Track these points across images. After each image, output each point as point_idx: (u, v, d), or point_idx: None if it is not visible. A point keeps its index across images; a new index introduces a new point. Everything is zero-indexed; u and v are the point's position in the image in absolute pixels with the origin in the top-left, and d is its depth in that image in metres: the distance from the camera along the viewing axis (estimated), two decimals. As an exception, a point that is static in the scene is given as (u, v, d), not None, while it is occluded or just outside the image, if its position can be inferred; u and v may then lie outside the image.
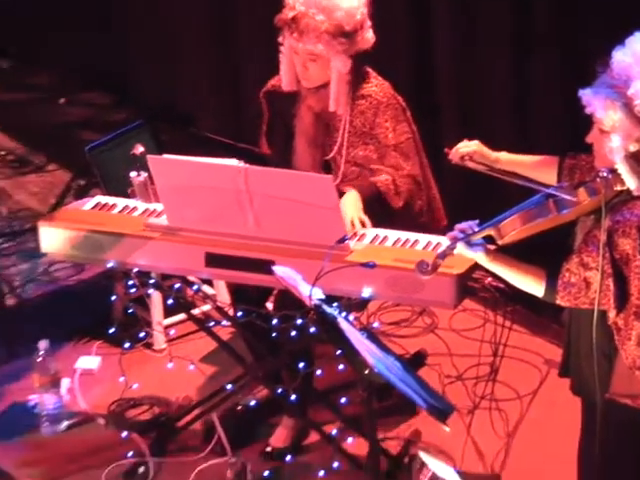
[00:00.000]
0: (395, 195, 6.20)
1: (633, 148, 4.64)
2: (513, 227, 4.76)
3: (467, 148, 5.49)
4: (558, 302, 4.77)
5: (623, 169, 4.64)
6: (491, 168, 5.36)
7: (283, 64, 6.26)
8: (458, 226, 4.85)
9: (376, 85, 6.26)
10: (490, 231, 4.78)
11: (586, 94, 4.66)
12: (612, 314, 4.70)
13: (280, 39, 6.23)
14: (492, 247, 4.85)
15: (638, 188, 4.65)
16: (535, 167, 5.36)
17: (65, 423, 6.62)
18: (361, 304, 5.97)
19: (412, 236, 5.95)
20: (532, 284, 4.80)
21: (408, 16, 7.76)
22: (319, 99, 6.27)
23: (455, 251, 4.79)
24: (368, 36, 6.19)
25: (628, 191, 4.69)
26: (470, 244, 4.76)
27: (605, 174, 4.67)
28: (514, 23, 7.26)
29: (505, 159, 5.49)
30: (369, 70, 6.28)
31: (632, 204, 4.69)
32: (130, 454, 6.30)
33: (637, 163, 4.69)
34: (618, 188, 4.68)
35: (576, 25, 6.99)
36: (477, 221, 4.88)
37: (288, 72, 6.25)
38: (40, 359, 6.60)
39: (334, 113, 6.26)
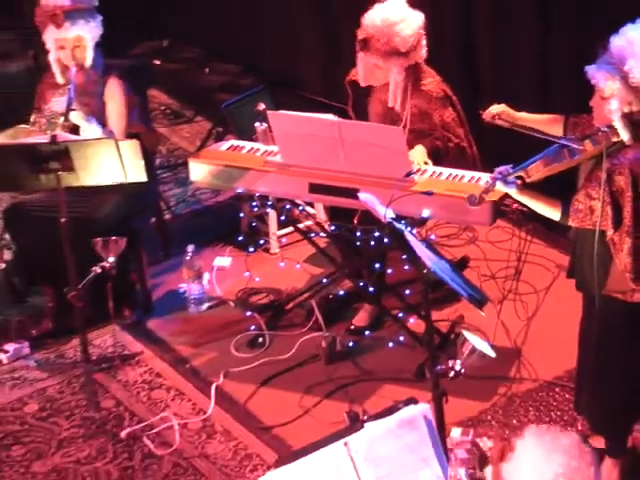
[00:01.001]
0: (446, 153, 6.43)
1: (627, 109, 4.97)
2: (537, 170, 5.11)
3: (496, 109, 5.67)
4: (570, 223, 5.12)
5: (619, 125, 4.98)
6: (514, 124, 5.52)
7: (359, 67, 6.48)
8: (497, 169, 5.20)
9: (429, 83, 6.45)
10: (520, 172, 5.14)
11: (591, 69, 4.99)
12: (610, 232, 5.02)
13: (357, 48, 6.44)
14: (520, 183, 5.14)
15: (629, 139, 4.99)
16: (546, 123, 5.52)
17: (206, 305, 7.01)
18: (421, 221, 6.20)
19: (461, 172, 6.25)
20: (551, 211, 5.16)
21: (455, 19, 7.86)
22: (386, 92, 6.49)
23: (495, 187, 5.18)
24: (422, 53, 6.42)
25: (622, 142, 5.01)
26: (506, 182, 5.12)
27: (605, 129, 5.00)
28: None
29: (525, 117, 5.66)
30: (425, 68, 6.49)
31: (625, 151, 5.01)
32: (252, 328, 6.73)
33: (629, 121, 5.00)
34: (614, 139, 5.01)
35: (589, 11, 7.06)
36: (511, 165, 5.20)
37: (362, 73, 6.48)
38: (188, 258, 7.00)
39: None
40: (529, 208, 5.33)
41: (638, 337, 5.31)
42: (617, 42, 4.99)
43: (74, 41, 6.58)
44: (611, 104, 4.99)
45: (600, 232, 5.06)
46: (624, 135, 5.01)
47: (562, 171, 5.17)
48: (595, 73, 5.02)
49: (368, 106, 6.63)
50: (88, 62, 6.64)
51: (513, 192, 5.19)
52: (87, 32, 6.59)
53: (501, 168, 5.19)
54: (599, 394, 5.42)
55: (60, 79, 6.68)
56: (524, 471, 3.66)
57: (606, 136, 5.03)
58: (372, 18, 6.34)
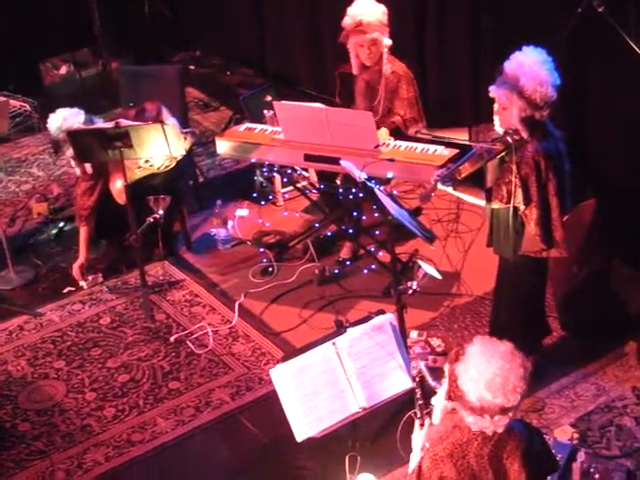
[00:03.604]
0: (404, 128, 6.31)
1: (523, 114, 4.89)
2: (465, 169, 4.99)
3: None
4: (493, 206, 5.09)
5: (520, 127, 4.92)
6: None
7: (352, 58, 6.30)
8: (436, 172, 5.14)
9: (398, 66, 6.33)
10: (453, 172, 5.02)
11: (493, 88, 4.96)
12: (522, 207, 5.00)
13: (347, 43, 6.26)
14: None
15: (527, 136, 4.93)
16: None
17: (230, 244, 6.93)
18: (386, 181, 5.99)
19: (415, 144, 6.12)
20: (477, 200, 5.17)
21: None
22: (369, 74, 6.34)
23: (437, 187, 5.06)
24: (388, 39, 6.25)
25: (522, 139, 4.94)
26: (444, 182, 5.03)
27: (511, 132, 4.94)
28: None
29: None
30: (392, 56, 6.33)
31: (525, 146, 4.94)
32: (264, 260, 6.69)
33: (526, 123, 4.92)
34: (517, 138, 4.94)
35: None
36: (446, 168, 5.19)
37: (355, 62, 6.33)
38: (217, 210, 6.98)
39: (377, 81, 6.29)
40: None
41: (539, 280, 5.36)
42: (510, 65, 4.94)
43: None
44: (512, 112, 4.93)
45: (514, 209, 5.03)
46: (524, 134, 4.95)
47: (480, 168, 5.09)
48: (497, 91, 4.97)
49: (354, 87, 6.43)
50: None
51: (450, 189, 5.11)
52: None
53: (438, 172, 5.10)
54: (514, 317, 5.43)
55: None
56: (471, 371, 3.67)
57: (512, 136, 4.96)
58: (361, 8, 6.21)
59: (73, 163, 6.47)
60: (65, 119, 6.26)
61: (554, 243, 5.08)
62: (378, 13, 6.20)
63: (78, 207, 6.59)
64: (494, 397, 3.63)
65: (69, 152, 6.29)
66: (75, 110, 6.33)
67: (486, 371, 3.63)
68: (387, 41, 6.26)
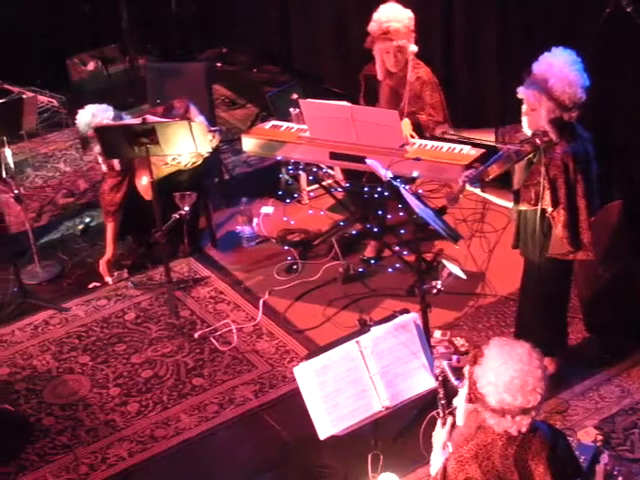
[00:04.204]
0: (429, 129, 6.30)
1: (552, 115, 4.88)
2: (494, 171, 4.97)
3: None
4: (521, 208, 5.08)
5: (548, 128, 4.90)
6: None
7: (378, 64, 6.29)
8: (464, 173, 5.07)
9: (423, 71, 6.30)
10: (481, 174, 5.00)
11: (522, 89, 4.94)
12: (550, 209, 4.98)
13: (373, 49, 6.26)
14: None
15: (556, 138, 4.91)
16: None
17: (255, 241, 6.94)
18: (412, 180, 6.14)
19: (440, 144, 6.12)
20: (505, 202, 5.14)
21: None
22: (393, 79, 6.33)
23: (465, 188, 5.03)
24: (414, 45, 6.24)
25: (551, 140, 4.92)
26: (472, 183, 5.00)
27: (539, 133, 4.92)
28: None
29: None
30: (417, 60, 6.30)
31: (554, 147, 4.93)
32: (288, 258, 6.69)
33: (554, 124, 4.90)
34: (546, 139, 4.92)
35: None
36: (474, 169, 5.13)
37: (381, 68, 6.31)
38: (242, 207, 7.01)
39: (401, 87, 6.27)
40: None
41: (564, 282, 5.37)
42: (539, 67, 4.93)
43: None
44: (540, 113, 4.91)
45: (541, 211, 5.01)
46: (553, 135, 4.93)
47: (509, 169, 5.07)
48: (525, 92, 4.95)
49: (379, 93, 6.42)
50: None
51: (478, 190, 5.08)
52: None
53: (467, 173, 5.07)
54: (539, 318, 5.42)
55: None
56: (489, 375, 3.67)
57: (540, 138, 4.94)
58: (388, 14, 6.18)
59: (100, 159, 6.49)
60: (94, 115, 6.28)
61: (581, 245, 5.07)
62: (405, 19, 6.18)
63: (105, 203, 6.59)
64: (514, 399, 3.63)
65: (97, 148, 6.31)
66: (104, 106, 6.35)
67: (504, 374, 3.64)
68: (413, 47, 6.25)
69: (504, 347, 3.70)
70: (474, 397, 3.72)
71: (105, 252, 6.69)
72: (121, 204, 6.56)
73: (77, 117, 6.39)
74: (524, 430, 3.72)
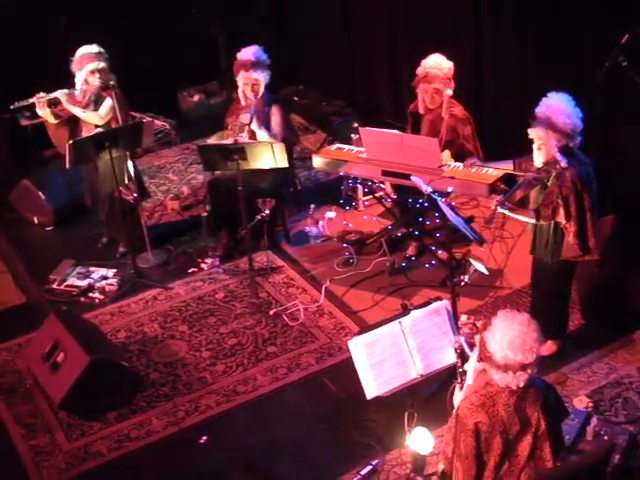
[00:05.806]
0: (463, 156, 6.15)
1: (559, 144, 4.85)
2: (518, 195, 5.00)
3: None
4: (541, 223, 5.02)
5: (558, 156, 4.87)
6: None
7: (419, 100, 6.22)
8: (495, 199, 5.01)
9: (457, 109, 6.20)
10: (508, 198, 4.97)
11: (531, 131, 4.90)
12: (564, 222, 4.94)
13: (417, 88, 6.18)
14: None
15: (565, 164, 4.86)
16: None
17: (320, 239, 6.88)
18: (447, 194, 5.87)
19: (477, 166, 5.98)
20: (528, 219, 5.07)
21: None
22: (432, 115, 6.24)
23: (497, 211, 4.98)
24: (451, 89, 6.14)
25: (562, 167, 4.88)
26: (502, 206, 4.98)
27: (552, 162, 4.87)
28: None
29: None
30: (453, 100, 6.20)
31: (563, 172, 4.88)
32: (347, 254, 6.60)
33: (563, 152, 4.87)
34: (558, 166, 4.88)
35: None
36: (502, 195, 5.06)
37: (421, 104, 6.23)
38: (311, 212, 6.96)
39: (439, 122, 6.18)
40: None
41: (568, 280, 5.30)
42: (540, 109, 4.90)
43: (254, 80, 6.52)
44: (550, 144, 4.86)
45: (554, 223, 4.98)
46: (562, 163, 4.88)
47: (529, 192, 5.03)
48: (534, 131, 4.91)
49: (421, 126, 6.35)
50: (260, 94, 6.55)
51: (506, 212, 5.08)
52: (262, 77, 6.51)
53: (497, 198, 5.01)
54: (548, 308, 5.34)
55: (243, 103, 6.60)
56: (496, 335, 3.71)
57: (552, 167, 4.90)
58: (431, 62, 6.10)
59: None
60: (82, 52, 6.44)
61: (589, 249, 5.04)
62: (445, 68, 6.08)
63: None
64: (515, 355, 3.66)
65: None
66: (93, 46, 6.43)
67: (508, 333, 3.67)
68: (448, 91, 6.13)
69: (508, 314, 3.76)
70: (483, 356, 3.76)
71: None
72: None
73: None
74: (522, 385, 3.74)
